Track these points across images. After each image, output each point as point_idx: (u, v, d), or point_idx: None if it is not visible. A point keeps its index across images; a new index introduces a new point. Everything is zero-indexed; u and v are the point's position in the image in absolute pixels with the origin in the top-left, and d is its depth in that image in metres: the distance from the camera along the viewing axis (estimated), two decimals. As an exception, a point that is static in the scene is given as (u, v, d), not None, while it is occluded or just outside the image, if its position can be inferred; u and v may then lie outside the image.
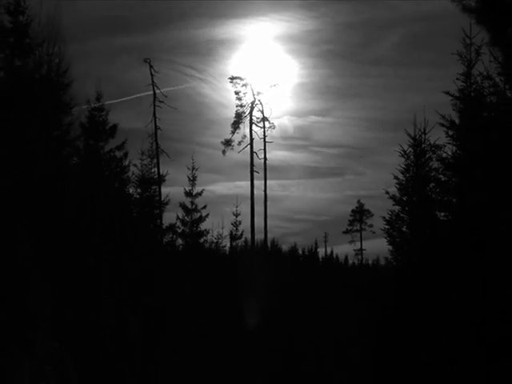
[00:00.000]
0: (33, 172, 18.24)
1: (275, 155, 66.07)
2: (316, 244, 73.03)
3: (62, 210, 20.28)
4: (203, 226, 44.82)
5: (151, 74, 46.71)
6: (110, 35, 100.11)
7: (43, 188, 19.13)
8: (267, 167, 56.52)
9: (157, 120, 46.56)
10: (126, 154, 30.88)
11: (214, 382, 34.04)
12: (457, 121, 19.72)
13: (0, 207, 14.22)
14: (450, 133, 20.12)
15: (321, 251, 75.04)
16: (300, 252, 72.84)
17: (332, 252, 77.03)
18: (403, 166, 25.76)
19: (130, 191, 34.39)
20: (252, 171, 55.70)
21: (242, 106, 57.03)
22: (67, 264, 19.39)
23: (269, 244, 61.26)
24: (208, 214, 44.97)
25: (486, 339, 13.42)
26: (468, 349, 14.29)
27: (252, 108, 56.85)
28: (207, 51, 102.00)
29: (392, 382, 21.17)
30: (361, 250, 74.53)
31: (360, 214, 75.08)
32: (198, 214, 44.52)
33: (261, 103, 57.86)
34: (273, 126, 57.91)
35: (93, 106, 28.74)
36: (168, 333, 31.31)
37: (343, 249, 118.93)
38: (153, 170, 39.26)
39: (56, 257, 18.35)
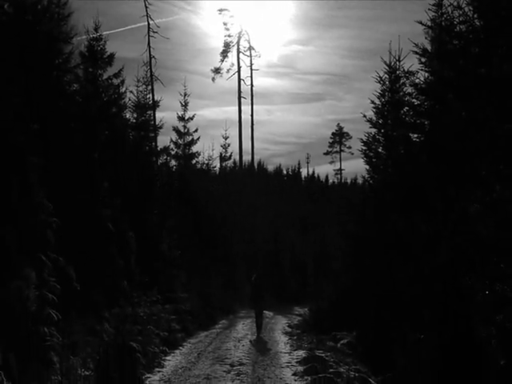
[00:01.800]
0: (37, 93, 18.26)
1: (261, 82, 67.06)
2: (299, 164, 73.92)
3: (66, 128, 20.39)
4: (195, 149, 45.54)
5: (145, 5, 46.35)
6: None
7: (47, 107, 19.19)
8: (254, 93, 56.95)
9: (151, 49, 46.35)
10: (122, 81, 30.87)
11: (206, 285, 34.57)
12: (429, 48, 19.75)
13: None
14: (423, 60, 20.17)
15: (303, 171, 75.78)
16: (284, 172, 73.54)
17: (314, 172, 77.62)
18: (379, 91, 26.06)
19: (127, 116, 34.51)
20: (240, 97, 55.89)
21: (229, 36, 57.02)
22: (70, 175, 19.57)
23: (255, 165, 61.70)
24: (199, 137, 45.54)
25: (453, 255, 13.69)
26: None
27: (239, 38, 56.80)
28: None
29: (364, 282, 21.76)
30: (340, 169, 75.57)
31: (339, 137, 75.61)
32: (190, 137, 45.04)
33: (247, 33, 57.69)
34: (258, 55, 58.02)
35: (91, 36, 28.51)
36: (164, 248, 31.64)
37: (324, 169, 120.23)
38: (148, 96, 39.22)
39: (60, 168, 18.49)
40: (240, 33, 56.93)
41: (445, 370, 13.12)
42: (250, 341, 23.48)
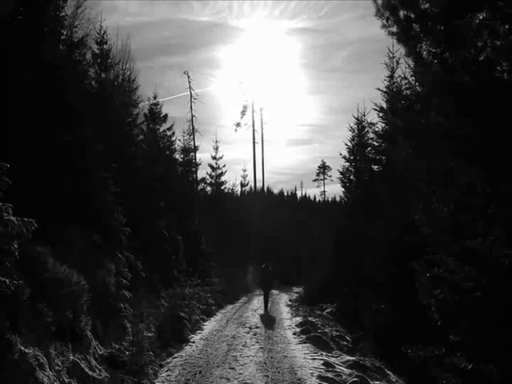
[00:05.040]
0: (114, 141, 18.37)
1: (269, 131, 66.93)
2: (295, 188, 74.26)
3: (135, 165, 20.54)
4: (223, 178, 45.64)
5: (188, 81, 46.34)
6: (162, 56, 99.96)
7: (122, 151, 19.33)
8: (263, 140, 56.66)
9: (192, 111, 46.30)
10: (173, 133, 31.27)
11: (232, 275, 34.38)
12: (385, 106, 19.89)
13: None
14: (381, 114, 20.32)
15: (298, 193, 76.02)
16: (285, 193, 73.68)
17: (306, 193, 78.08)
18: (351, 136, 26.58)
19: (176, 156, 34.87)
20: (254, 142, 55.68)
21: (246, 100, 56.97)
22: (138, 197, 19.66)
23: (265, 189, 61.50)
24: (226, 171, 45.87)
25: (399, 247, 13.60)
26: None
27: (253, 102, 56.71)
28: (223, 64, 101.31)
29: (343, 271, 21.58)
30: (324, 191, 74.97)
31: (323, 169, 75.22)
32: (220, 170, 45.33)
33: (259, 98, 57.94)
34: (267, 113, 58.04)
35: (151, 102, 28.89)
36: (202, 247, 31.61)
37: (313, 191, 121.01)
38: (190, 143, 39.78)
39: (131, 193, 18.53)
40: (253, 99, 57.13)
41: (399, 329, 13.05)
42: (260, 315, 22.65)
